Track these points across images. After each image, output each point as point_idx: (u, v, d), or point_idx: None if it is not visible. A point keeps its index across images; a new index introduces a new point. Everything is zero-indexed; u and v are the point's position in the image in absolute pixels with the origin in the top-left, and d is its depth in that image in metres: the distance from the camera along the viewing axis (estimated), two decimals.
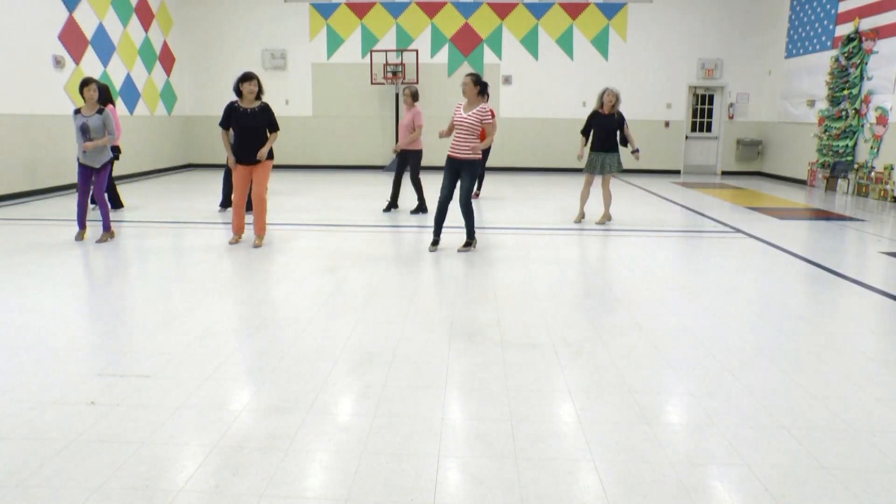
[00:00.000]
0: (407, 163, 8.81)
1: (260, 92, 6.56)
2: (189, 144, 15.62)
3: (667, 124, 15.21)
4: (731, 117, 15.31)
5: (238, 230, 6.84)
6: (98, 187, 6.84)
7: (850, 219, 8.97)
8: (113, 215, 8.08)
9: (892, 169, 10.60)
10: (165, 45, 14.58)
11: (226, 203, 8.96)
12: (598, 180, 8.41)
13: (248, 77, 6.50)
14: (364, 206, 9.48)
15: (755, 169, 15.41)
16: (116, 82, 12.60)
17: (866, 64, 11.32)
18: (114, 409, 2.99)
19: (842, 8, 12.07)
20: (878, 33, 10.99)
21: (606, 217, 8.25)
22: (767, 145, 15.07)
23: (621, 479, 2.47)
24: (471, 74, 6.26)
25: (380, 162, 15.47)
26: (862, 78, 11.40)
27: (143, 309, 4.58)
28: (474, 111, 6.15)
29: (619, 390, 3.28)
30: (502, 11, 15.12)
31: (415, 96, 8.76)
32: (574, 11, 15.06)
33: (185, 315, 4.44)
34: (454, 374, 3.45)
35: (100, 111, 6.70)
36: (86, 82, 6.62)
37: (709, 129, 15.59)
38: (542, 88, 15.14)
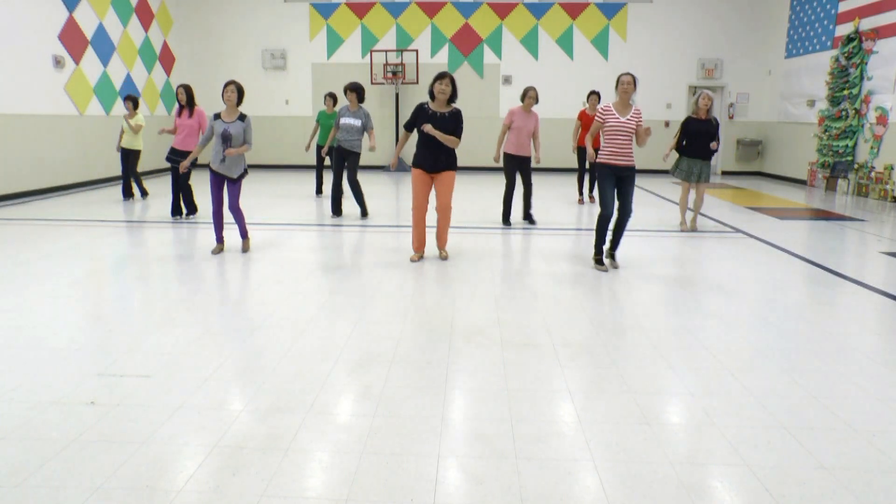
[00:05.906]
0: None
1: (454, 94, 5.78)
2: None
3: (667, 124, 15.20)
4: (731, 117, 15.31)
5: (420, 247, 6.13)
6: (232, 198, 6.22)
7: (850, 219, 8.97)
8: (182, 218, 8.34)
9: (892, 169, 10.60)
10: (165, 45, 14.59)
11: (319, 190, 10.66)
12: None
13: (440, 76, 5.73)
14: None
15: (755, 169, 15.41)
16: (116, 82, 12.61)
17: (866, 64, 11.32)
18: (114, 409, 2.99)
19: (842, 8, 12.07)
20: (878, 33, 10.99)
21: (695, 224, 7.89)
22: (767, 145, 15.07)
23: (621, 479, 2.47)
24: (631, 74, 5.66)
25: (381, 162, 15.46)
26: (862, 78, 11.39)
27: (144, 309, 4.59)
28: (632, 114, 5.67)
29: (619, 390, 3.27)
30: (502, 11, 15.12)
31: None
32: (574, 11, 15.07)
33: (185, 315, 4.44)
34: (454, 374, 3.45)
35: (241, 117, 6.07)
36: (225, 84, 6.02)
37: None
38: (543, 88, 15.03)
